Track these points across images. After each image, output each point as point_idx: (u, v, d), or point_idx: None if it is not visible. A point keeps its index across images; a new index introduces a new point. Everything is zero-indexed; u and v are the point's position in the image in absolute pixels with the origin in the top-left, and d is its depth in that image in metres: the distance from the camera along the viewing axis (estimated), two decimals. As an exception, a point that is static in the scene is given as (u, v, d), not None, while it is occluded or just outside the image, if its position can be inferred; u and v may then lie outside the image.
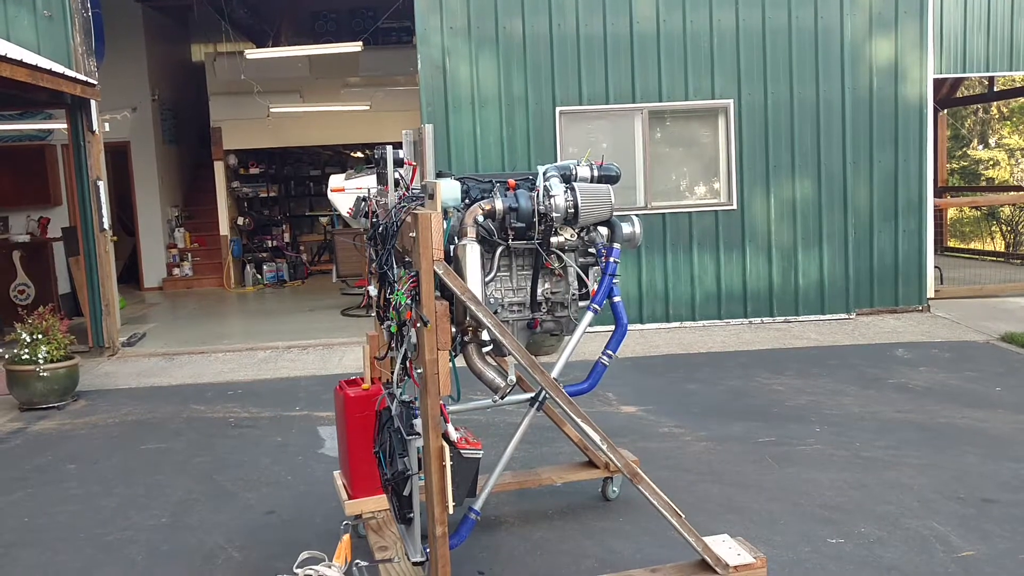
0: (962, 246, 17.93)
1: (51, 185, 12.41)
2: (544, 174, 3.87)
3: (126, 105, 13.68)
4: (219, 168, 15.14)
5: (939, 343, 8.64)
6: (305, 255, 16.85)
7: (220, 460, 5.94)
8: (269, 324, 11.52)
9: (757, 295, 9.98)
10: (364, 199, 4.48)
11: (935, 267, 10.65)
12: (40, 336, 7.42)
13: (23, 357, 7.33)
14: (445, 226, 3.59)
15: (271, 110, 14.45)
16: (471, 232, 3.60)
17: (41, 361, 7.31)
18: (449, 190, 3.60)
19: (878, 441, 5.74)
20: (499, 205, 3.71)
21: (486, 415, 6.36)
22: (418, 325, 3.34)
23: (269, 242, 16.35)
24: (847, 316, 10.02)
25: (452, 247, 3.63)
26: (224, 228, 15.19)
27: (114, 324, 9.57)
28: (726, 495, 4.93)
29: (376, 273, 4.05)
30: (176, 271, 15.32)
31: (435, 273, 3.33)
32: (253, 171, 16.32)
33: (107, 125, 10.38)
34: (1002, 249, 16.32)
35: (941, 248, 14.66)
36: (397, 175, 4.06)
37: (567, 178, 3.90)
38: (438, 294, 3.38)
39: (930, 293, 10.31)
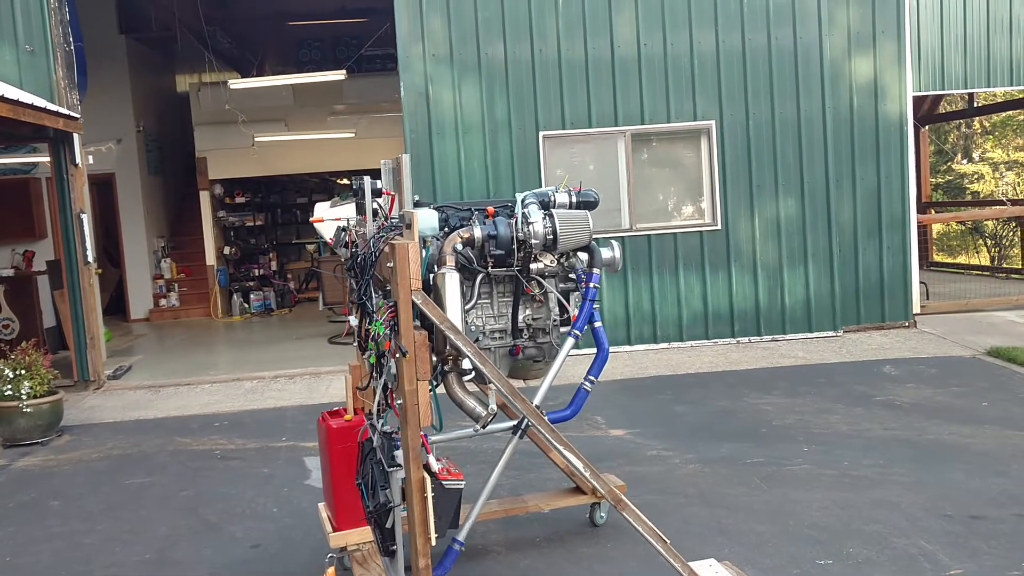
0: (949, 260, 18.04)
1: (36, 218, 12.36)
2: (523, 201, 3.88)
3: (111, 137, 13.66)
4: (205, 198, 15.13)
5: (926, 359, 8.66)
6: (292, 283, 16.82)
7: (205, 493, 5.89)
8: (256, 353, 11.47)
9: (744, 314, 9.99)
10: (344, 229, 4.48)
11: (921, 282, 10.70)
12: (23, 371, 7.37)
13: (6, 393, 7.27)
14: (424, 255, 3.59)
15: (256, 139, 14.46)
16: (450, 260, 3.61)
17: (24, 397, 7.26)
18: (426, 219, 3.61)
19: (866, 459, 5.74)
20: (478, 233, 3.72)
21: (472, 442, 6.32)
22: (397, 355, 3.33)
23: (256, 271, 16.32)
24: (834, 333, 10.03)
25: (432, 276, 3.63)
26: (211, 258, 15.15)
27: (99, 357, 9.51)
28: (714, 517, 4.91)
29: (356, 303, 4.04)
30: (163, 302, 15.26)
31: (413, 303, 3.32)
32: (239, 200, 16.30)
33: (91, 157, 10.37)
34: (987, 263, 16.43)
35: (927, 263, 14.73)
36: (375, 205, 4.06)
37: (546, 205, 3.91)
38: (417, 324, 3.37)
39: (916, 309, 10.35)
